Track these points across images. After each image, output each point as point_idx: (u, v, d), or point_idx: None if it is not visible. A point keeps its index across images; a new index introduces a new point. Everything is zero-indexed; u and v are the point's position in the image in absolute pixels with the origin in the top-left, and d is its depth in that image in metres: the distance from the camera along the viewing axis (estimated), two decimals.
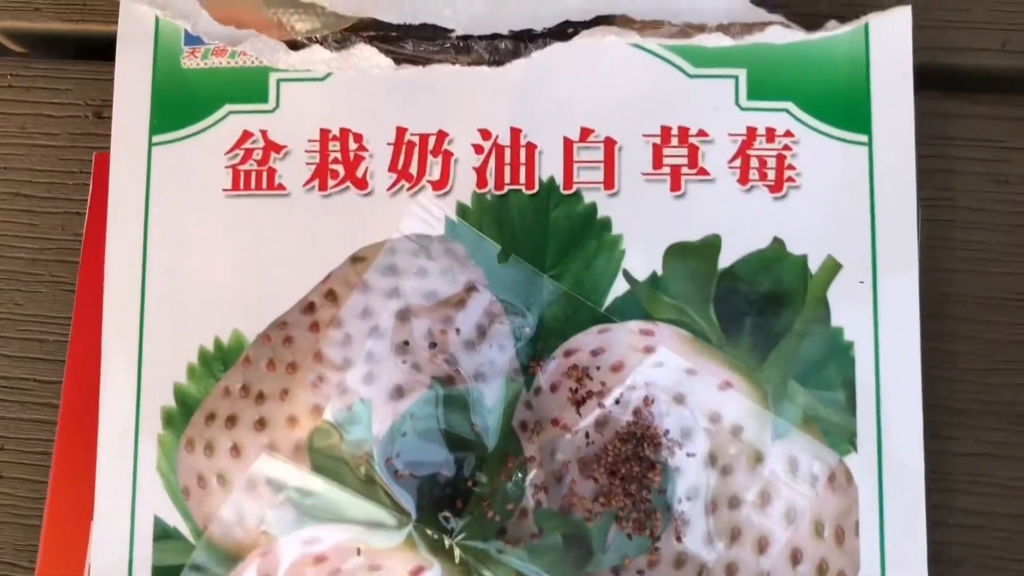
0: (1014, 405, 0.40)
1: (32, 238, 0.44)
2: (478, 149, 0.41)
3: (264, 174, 0.41)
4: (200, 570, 0.39)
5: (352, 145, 0.41)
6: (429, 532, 0.38)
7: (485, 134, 0.41)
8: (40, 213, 0.44)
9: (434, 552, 0.38)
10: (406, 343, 0.39)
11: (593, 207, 0.40)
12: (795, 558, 0.38)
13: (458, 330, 0.39)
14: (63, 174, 0.44)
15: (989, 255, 0.40)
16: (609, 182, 0.40)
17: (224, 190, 0.41)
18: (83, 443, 0.40)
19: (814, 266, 0.40)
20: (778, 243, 0.40)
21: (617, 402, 0.38)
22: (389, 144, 0.41)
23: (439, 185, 0.40)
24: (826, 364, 0.39)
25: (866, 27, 0.40)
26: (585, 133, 0.40)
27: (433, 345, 0.39)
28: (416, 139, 0.41)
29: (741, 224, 0.40)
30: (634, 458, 0.38)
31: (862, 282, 0.39)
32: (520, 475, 0.38)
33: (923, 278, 0.39)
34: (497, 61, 0.41)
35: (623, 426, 0.38)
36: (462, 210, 0.40)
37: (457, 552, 0.38)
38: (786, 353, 0.39)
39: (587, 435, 0.38)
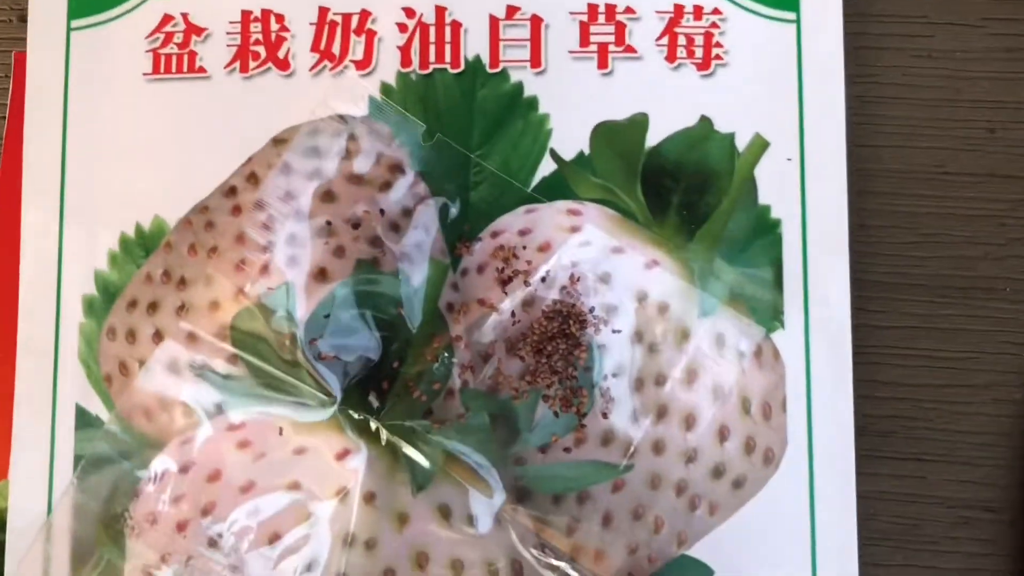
0: (937, 277, 0.40)
1: None
2: (402, 28, 0.40)
3: (185, 57, 0.40)
4: (121, 458, 0.38)
5: (274, 26, 0.40)
6: (354, 414, 0.38)
7: (409, 12, 0.40)
8: None
9: (360, 434, 0.38)
10: (329, 224, 0.38)
11: (519, 86, 0.39)
12: (722, 434, 0.38)
13: (382, 211, 0.39)
14: None
15: (914, 130, 0.40)
16: (536, 60, 0.40)
17: (144, 75, 0.40)
18: (3, 333, 0.40)
19: (741, 144, 0.39)
20: (706, 121, 0.39)
21: (543, 280, 0.38)
22: (311, 24, 0.40)
23: (362, 65, 0.40)
24: (753, 242, 0.39)
25: None
26: (511, 11, 0.40)
27: (357, 226, 0.38)
28: (339, 18, 0.40)
29: (668, 102, 0.39)
30: (560, 336, 0.37)
31: (789, 159, 0.39)
32: (447, 355, 0.38)
33: (849, 154, 0.39)
34: None
35: (549, 304, 0.38)
36: (386, 90, 0.40)
37: (384, 434, 0.37)
38: (713, 231, 0.39)
39: (513, 314, 0.38)
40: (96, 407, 0.39)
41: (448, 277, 0.39)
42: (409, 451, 0.37)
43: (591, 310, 0.38)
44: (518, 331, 0.38)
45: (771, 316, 0.39)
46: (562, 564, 0.37)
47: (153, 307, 0.39)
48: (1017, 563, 0.39)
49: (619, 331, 0.38)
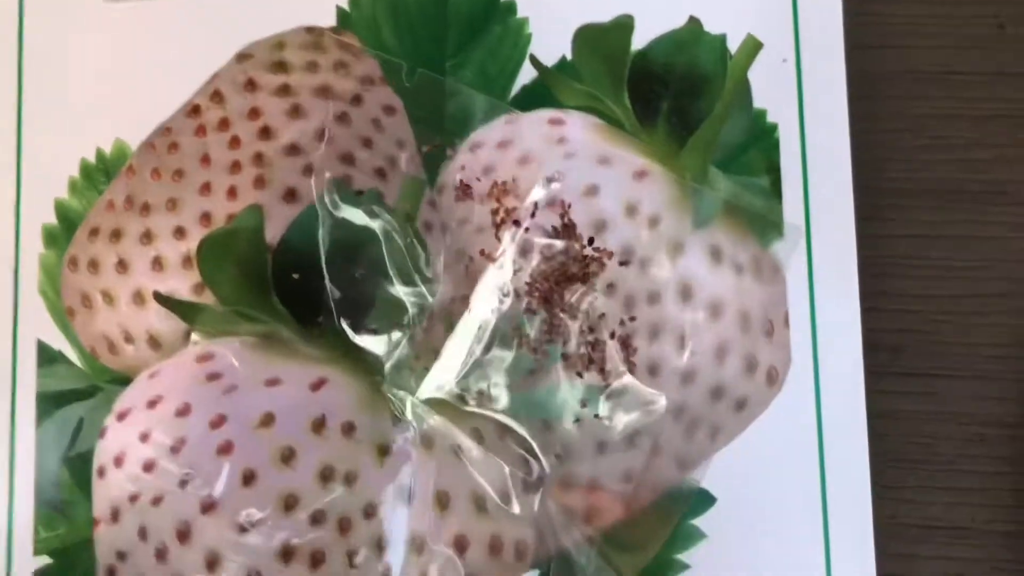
0: (946, 182, 0.37)
1: None
2: None
3: None
4: (85, 395, 0.36)
5: None
6: (335, 340, 0.35)
7: None
8: None
9: (336, 362, 0.36)
10: (295, 147, 0.36)
11: None
12: (721, 353, 0.36)
13: (352, 123, 0.36)
14: None
15: (916, 29, 0.38)
16: None
17: None
18: None
19: (733, 46, 0.37)
20: (694, 22, 0.37)
21: (534, 215, 0.35)
22: None
23: None
24: (748, 148, 0.37)
25: None
26: None
27: (327, 141, 0.36)
28: None
29: (654, 3, 0.37)
30: (564, 279, 0.35)
31: (785, 61, 0.37)
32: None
33: (848, 55, 0.37)
34: None
35: (544, 245, 0.35)
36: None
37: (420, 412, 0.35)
38: (705, 138, 0.36)
39: (515, 263, 0.35)
40: (59, 342, 0.37)
41: (425, 195, 0.36)
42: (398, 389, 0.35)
43: (589, 242, 0.35)
44: (520, 280, 0.35)
45: (770, 226, 0.36)
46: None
47: (116, 235, 0.37)
48: None
49: (626, 262, 0.35)
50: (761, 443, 0.36)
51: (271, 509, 0.34)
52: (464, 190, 0.36)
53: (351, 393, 0.35)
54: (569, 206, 0.35)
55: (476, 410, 0.34)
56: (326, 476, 0.34)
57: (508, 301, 0.34)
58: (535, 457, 0.35)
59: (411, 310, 0.35)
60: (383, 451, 0.34)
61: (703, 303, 0.36)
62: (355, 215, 0.36)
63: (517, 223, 0.35)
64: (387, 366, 0.34)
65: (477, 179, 0.36)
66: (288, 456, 0.34)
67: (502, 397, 0.35)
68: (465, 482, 0.35)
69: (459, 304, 0.35)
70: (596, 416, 0.35)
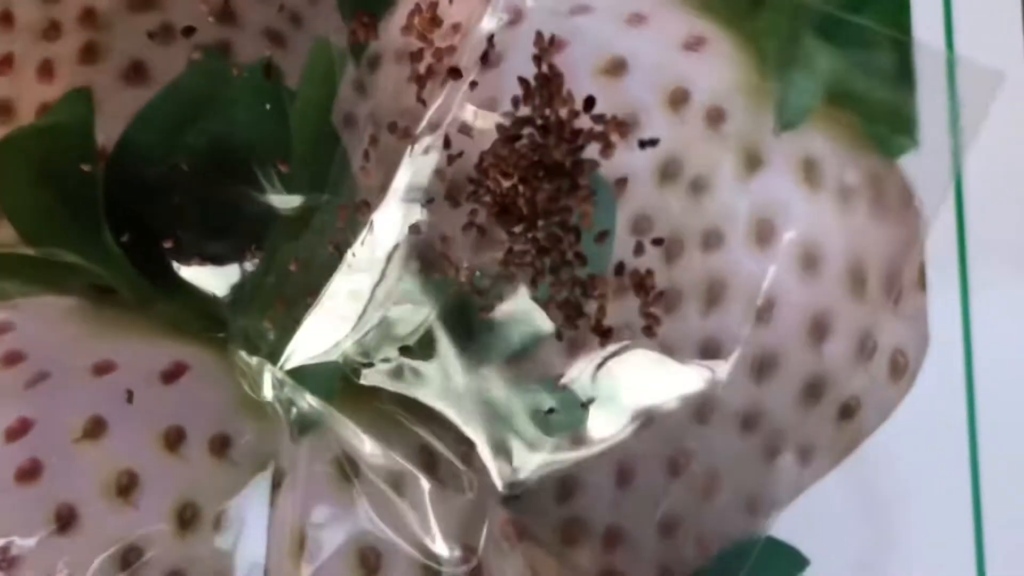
0: None
1: None
2: None
3: None
4: None
5: None
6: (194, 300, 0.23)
7: None
8: None
9: (207, 337, 0.23)
10: None
11: None
12: (818, 328, 0.23)
13: None
14: None
15: None
16: None
17: None
18: None
19: None
20: None
21: (485, 59, 0.22)
22: None
23: None
24: (864, 4, 0.24)
25: None
26: None
27: None
28: None
29: None
30: (537, 171, 0.21)
31: None
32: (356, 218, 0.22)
33: None
34: None
35: (506, 111, 0.21)
36: None
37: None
38: None
39: (447, 143, 0.22)
40: None
41: (347, 75, 0.23)
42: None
43: (586, 106, 0.22)
44: (462, 172, 0.22)
45: (897, 127, 0.23)
46: None
47: None
48: None
49: (654, 141, 0.22)
50: (882, 470, 0.24)
51: (102, 567, 0.22)
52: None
53: (223, 386, 0.23)
54: (551, 42, 0.21)
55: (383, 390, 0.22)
56: (185, 519, 0.22)
57: (436, 210, 0.21)
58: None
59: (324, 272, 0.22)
60: (277, 478, 0.22)
61: (791, 249, 0.23)
62: (241, 109, 0.23)
63: (455, 72, 0.21)
64: (233, 317, 0.22)
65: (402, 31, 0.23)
66: (128, 486, 0.22)
67: (425, 371, 0.21)
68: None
69: (353, 214, 0.21)
70: (584, 405, 0.22)
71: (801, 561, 0.23)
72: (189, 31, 0.23)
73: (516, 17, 0.22)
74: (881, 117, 0.24)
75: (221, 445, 0.22)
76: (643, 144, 0.22)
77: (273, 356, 0.22)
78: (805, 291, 0.23)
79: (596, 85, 0.22)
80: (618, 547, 0.23)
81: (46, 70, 0.24)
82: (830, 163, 0.23)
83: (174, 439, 0.22)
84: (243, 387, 0.23)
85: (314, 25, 0.24)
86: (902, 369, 0.24)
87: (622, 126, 0.21)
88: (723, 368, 0.23)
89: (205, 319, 0.23)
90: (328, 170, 0.23)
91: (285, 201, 0.22)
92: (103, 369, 0.23)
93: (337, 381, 0.22)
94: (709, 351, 0.23)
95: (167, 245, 0.22)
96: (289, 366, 0.22)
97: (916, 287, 0.24)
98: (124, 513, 0.22)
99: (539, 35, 0.21)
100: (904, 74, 0.24)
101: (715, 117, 0.23)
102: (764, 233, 0.23)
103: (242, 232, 0.22)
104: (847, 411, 0.23)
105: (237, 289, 0.23)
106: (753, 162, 0.23)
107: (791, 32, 0.24)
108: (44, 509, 0.22)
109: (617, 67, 0.23)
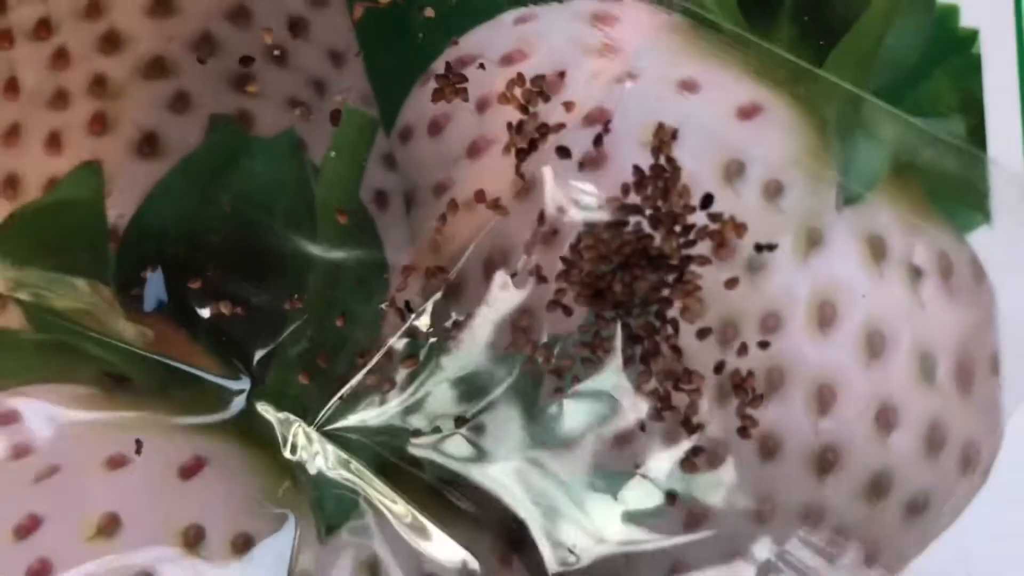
0: None
1: None
2: None
3: None
4: None
5: None
6: (273, 411, 0.21)
7: None
8: None
9: (227, 426, 0.21)
10: (158, 62, 0.22)
11: None
12: (885, 419, 0.21)
13: (253, 22, 0.22)
14: None
15: None
16: None
17: None
18: None
19: None
20: None
21: (598, 142, 0.21)
22: None
23: None
24: (931, 70, 0.23)
25: None
26: None
27: (203, 58, 0.22)
28: None
29: None
30: (639, 261, 0.20)
31: None
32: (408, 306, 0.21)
33: None
34: None
35: (614, 196, 0.20)
36: None
37: (321, 455, 0.21)
38: (859, 49, 0.22)
39: (541, 220, 0.21)
40: None
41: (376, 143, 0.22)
42: (377, 494, 0.21)
43: (705, 202, 0.20)
44: (554, 258, 0.20)
45: (969, 201, 0.22)
46: None
47: None
48: None
49: (770, 247, 0.21)
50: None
51: None
52: (453, 82, 0.21)
53: (243, 481, 0.21)
54: (673, 135, 0.20)
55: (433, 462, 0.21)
56: None
57: (523, 287, 0.20)
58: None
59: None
60: None
61: (855, 334, 0.21)
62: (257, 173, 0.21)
63: (564, 151, 0.20)
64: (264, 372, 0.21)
65: (480, 66, 0.21)
66: None
67: (482, 445, 0.20)
68: None
69: (421, 277, 0.20)
70: (671, 497, 0.21)
71: None
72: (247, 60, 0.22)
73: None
74: (951, 189, 0.22)
75: (244, 544, 0.21)
76: (759, 248, 0.20)
77: (307, 414, 0.21)
78: (870, 379, 0.21)
79: (643, 154, 0.21)
80: None
81: (54, 142, 0.22)
82: (896, 239, 0.22)
83: (194, 538, 0.21)
84: (263, 483, 0.21)
85: (341, 92, 0.22)
86: (974, 463, 0.22)
87: (739, 227, 0.20)
88: (779, 465, 0.21)
89: (220, 405, 0.22)
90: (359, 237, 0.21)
91: (322, 258, 0.21)
92: (117, 463, 0.21)
93: (380, 449, 0.21)
94: (767, 448, 0.21)
95: (198, 300, 0.21)
96: (328, 427, 0.21)
97: (989, 374, 0.22)
98: None
99: (660, 126, 0.20)
100: (976, 141, 0.22)
101: (772, 191, 0.21)
102: (826, 316, 0.21)
103: (273, 289, 0.21)
104: (915, 507, 0.22)
105: (270, 341, 0.22)
106: (814, 239, 0.21)
107: (853, 96, 0.22)
108: None
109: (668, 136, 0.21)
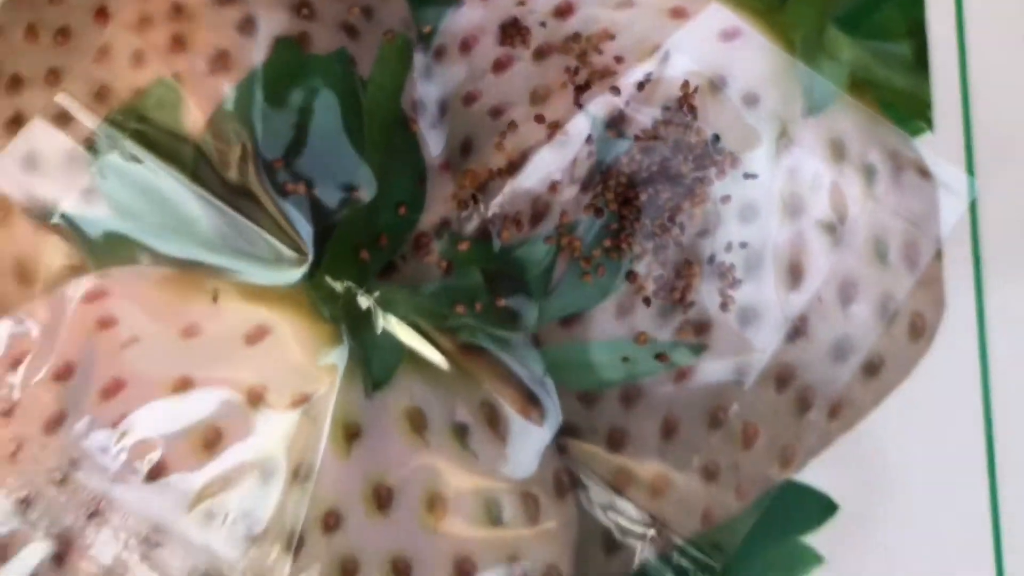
0: None
1: None
2: None
3: None
4: None
5: None
6: (333, 282, 0.25)
7: None
8: None
9: (340, 314, 0.25)
10: None
11: None
12: (846, 293, 0.25)
13: None
14: None
15: None
16: None
17: None
18: None
19: None
20: None
21: (641, 88, 0.25)
22: None
23: None
24: (882, 1, 0.26)
25: None
26: None
27: None
28: None
29: None
30: (661, 177, 0.24)
31: None
32: (477, 199, 0.25)
33: None
34: None
35: (647, 127, 0.25)
36: None
37: (380, 318, 0.25)
38: None
39: (589, 139, 0.25)
40: None
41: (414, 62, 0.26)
42: (422, 347, 0.25)
43: (714, 139, 0.24)
44: (592, 168, 0.25)
45: (914, 111, 0.26)
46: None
47: None
48: None
49: (754, 176, 0.25)
50: (902, 424, 0.25)
51: (188, 513, 0.24)
52: (517, 33, 0.25)
53: (303, 347, 0.25)
54: (695, 90, 0.25)
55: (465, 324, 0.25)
56: (267, 471, 0.24)
57: (564, 192, 0.24)
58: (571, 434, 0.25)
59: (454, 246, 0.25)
60: (351, 434, 0.24)
61: (819, 221, 0.25)
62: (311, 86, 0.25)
63: (616, 90, 0.25)
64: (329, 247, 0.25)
65: (541, 24, 0.26)
66: (213, 441, 0.24)
67: (524, 312, 0.25)
68: (470, 478, 0.24)
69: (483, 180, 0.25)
70: (658, 356, 0.25)
71: (832, 507, 0.25)
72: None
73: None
74: (899, 102, 0.26)
75: (300, 401, 0.24)
76: (747, 176, 0.25)
77: (363, 285, 0.25)
78: (832, 259, 0.25)
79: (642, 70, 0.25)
80: (663, 494, 0.25)
81: (138, 58, 0.26)
82: (854, 142, 0.26)
83: (257, 395, 0.24)
84: (317, 347, 0.25)
85: (384, 18, 0.26)
86: (920, 330, 0.26)
87: (735, 160, 0.25)
88: (757, 331, 0.25)
89: (285, 276, 0.25)
90: (399, 149, 0.25)
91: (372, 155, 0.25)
92: (190, 333, 0.25)
93: (424, 317, 0.24)
94: (746, 317, 0.25)
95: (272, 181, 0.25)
96: (382, 297, 0.25)
97: (933, 255, 0.26)
98: (205, 463, 0.24)
99: (686, 83, 0.25)
100: (920, 63, 0.26)
101: (751, 100, 0.25)
102: (795, 206, 0.25)
103: (335, 179, 0.25)
104: (871, 368, 0.25)
105: (332, 222, 0.25)
106: (785, 141, 0.25)
107: (817, 24, 0.26)
108: (136, 461, 0.24)
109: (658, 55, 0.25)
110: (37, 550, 0.23)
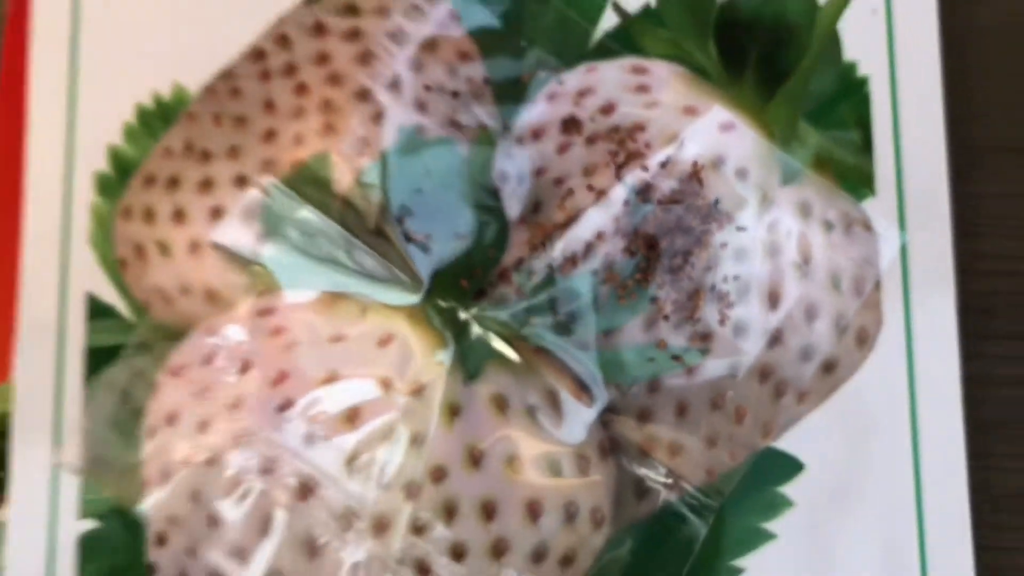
0: None
1: None
2: None
3: None
4: (139, 349, 0.34)
5: None
6: (442, 302, 0.32)
7: None
8: None
9: (447, 326, 0.32)
10: (364, 93, 0.34)
11: None
12: (810, 313, 0.34)
13: (425, 70, 0.34)
14: None
15: None
16: None
17: None
18: (5, 219, 0.35)
19: None
20: None
21: (663, 166, 0.33)
22: None
23: None
24: (838, 102, 0.35)
25: None
26: None
27: (455, 95, 0.34)
28: None
29: None
30: (677, 230, 0.33)
31: (875, 12, 0.35)
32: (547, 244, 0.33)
33: (941, 8, 0.35)
34: None
35: (666, 193, 0.33)
36: None
37: (475, 328, 0.32)
38: (794, 91, 0.35)
39: (626, 203, 0.33)
40: (109, 295, 0.35)
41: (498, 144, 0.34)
42: (504, 349, 0.32)
43: (715, 203, 0.33)
44: (627, 223, 0.33)
45: (861, 182, 0.35)
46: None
47: (173, 183, 0.35)
48: None
49: (744, 228, 0.33)
50: (851, 408, 0.34)
51: (333, 472, 0.31)
52: (574, 125, 0.34)
53: (420, 349, 0.32)
54: (702, 168, 0.33)
55: (537, 340, 0.32)
56: (391, 437, 0.31)
57: (607, 240, 0.32)
58: (612, 412, 0.33)
59: (528, 278, 0.33)
60: (453, 411, 0.32)
61: (792, 261, 0.34)
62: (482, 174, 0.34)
63: (645, 168, 0.33)
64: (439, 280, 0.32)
65: (591, 119, 0.34)
66: (352, 416, 0.31)
67: (577, 325, 0.32)
68: (539, 444, 0.32)
69: (548, 232, 0.33)
70: (674, 358, 0.32)
71: (799, 465, 0.34)
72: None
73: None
74: (850, 175, 0.34)
75: (418, 390, 0.32)
76: (739, 228, 0.33)
77: (462, 304, 0.32)
78: (801, 288, 0.33)
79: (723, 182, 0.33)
80: (678, 455, 0.33)
81: (298, 140, 0.34)
82: (817, 205, 0.34)
83: (386, 385, 0.31)
84: (428, 350, 0.32)
85: (478, 113, 0.34)
86: (864, 340, 0.34)
87: (730, 217, 0.32)
88: (747, 340, 0.34)
89: (407, 299, 0.33)
90: (489, 208, 0.34)
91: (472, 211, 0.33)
92: (337, 339, 0.32)
93: (505, 329, 0.32)
94: (739, 330, 0.33)
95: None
96: (476, 314, 0.32)
97: (873, 286, 0.34)
98: (350, 434, 0.31)
99: (695, 163, 0.33)
100: (866, 146, 0.35)
101: (741, 174, 0.34)
102: (774, 250, 0.34)
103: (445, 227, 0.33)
104: (828, 367, 0.34)
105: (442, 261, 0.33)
106: (766, 204, 0.34)
107: (790, 120, 0.34)
108: (295, 433, 0.31)
109: (718, 162, 0.34)
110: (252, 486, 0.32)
